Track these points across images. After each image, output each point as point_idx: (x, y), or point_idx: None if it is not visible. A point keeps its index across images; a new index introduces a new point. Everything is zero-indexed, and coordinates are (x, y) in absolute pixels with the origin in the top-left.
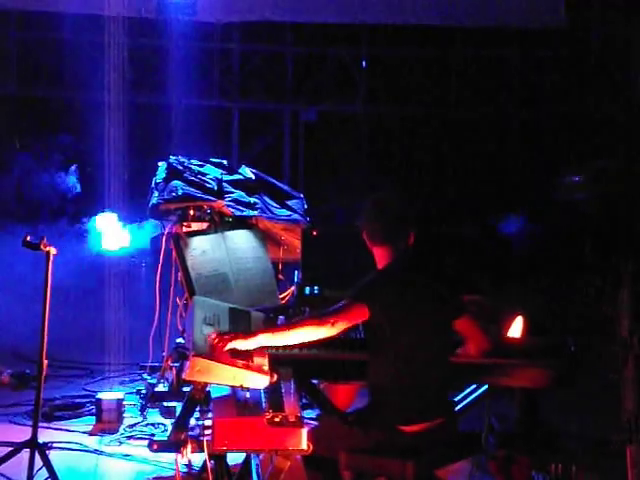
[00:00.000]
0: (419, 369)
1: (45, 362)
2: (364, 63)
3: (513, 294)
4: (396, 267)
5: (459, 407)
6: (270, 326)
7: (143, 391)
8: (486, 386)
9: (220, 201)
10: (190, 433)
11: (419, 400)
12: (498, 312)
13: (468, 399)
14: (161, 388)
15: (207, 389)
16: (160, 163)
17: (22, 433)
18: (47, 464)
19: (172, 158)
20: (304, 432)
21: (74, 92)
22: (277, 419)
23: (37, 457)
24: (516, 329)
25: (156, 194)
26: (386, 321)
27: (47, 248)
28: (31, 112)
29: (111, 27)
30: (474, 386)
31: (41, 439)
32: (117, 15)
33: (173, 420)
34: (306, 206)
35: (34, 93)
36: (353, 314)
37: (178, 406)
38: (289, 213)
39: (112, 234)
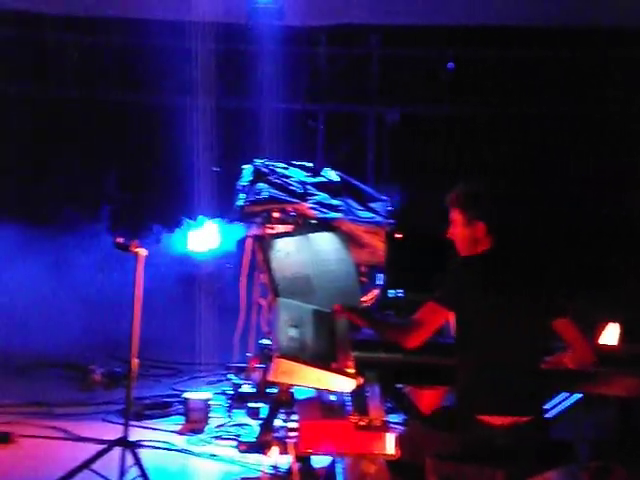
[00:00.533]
0: (502, 363)
1: (136, 361)
2: (450, 64)
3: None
4: (486, 260)
5: (551, 414)
6: (375, 319)
7: (229, 391)
8: (580, 394)
9: (304, 203)
10: (276, 435)
11: (501, 393)
12: (592, 318)
13: (561, 407)
14: (247, 389)
15: (291, 391)
16: (245, 166)
17: (114, 431)
18: (138, 462)
19: (257, 161)
20: (391, 437)
21: (162, 97)
22: (363, 423)
23: (128, 455)
24: (611, 336)
25: (241, 197)
26: (470, 316)
27: (137, 249)
28: (118, 116)
29: (199, 33)
30: (567, 394)
31: (131, 437)
32: (206, 21)
33: (259, 421)
34: (390, 208)
35: (126, 98)
36: (435, 319)
37: (263, 407)
38: (372, 215)
39: (199, 236)
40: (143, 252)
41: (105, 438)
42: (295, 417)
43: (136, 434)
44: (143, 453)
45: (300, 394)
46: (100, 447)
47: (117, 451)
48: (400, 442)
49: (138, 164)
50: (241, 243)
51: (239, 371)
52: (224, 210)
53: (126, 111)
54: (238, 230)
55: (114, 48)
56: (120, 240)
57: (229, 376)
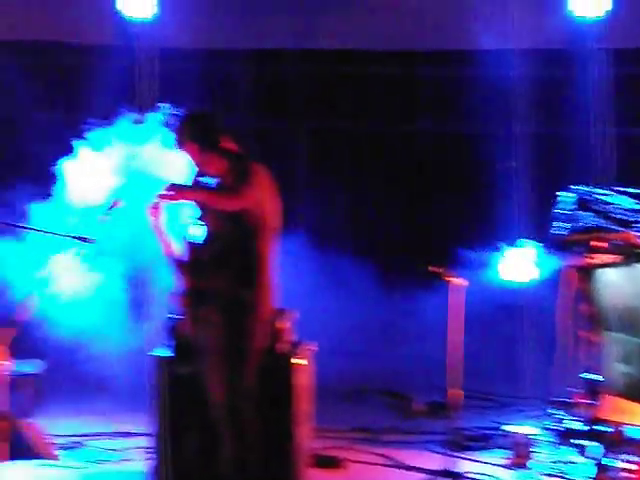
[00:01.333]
0: None
1: (457, 392)
2: None
3: None
4: None
5: None
6: None
7: (553, 427)
8: None
9: (631, 232)
10: (611, 475)
11: None
12: None
13: None
14: (572, 425)
15: (622, 429)
16: (564, 194)
17: (436, 461)
18: None
19: (576, 188)
20: None
21: (485, 126)
22: None
23: None
24: None
25: (561, 225)
26: None
27: (451, 278)
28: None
29: (520, 60)
30: None
31: (455, 469)
32: (526, 48)
33: (588, 459)
34: None
35: (446, 128)
36: None
37: (591, 445)
38: None
39: (516, 264)
40: (459, 282)
41: (428, 467)
42: (630, 457)
43: (457, 465)
44: None
45: (634, 433)
46: (425, 477)
47: None
48: None
49: (459, 191)
50: (559, 273)
51: (562, 406)
52: (541, 239)
53: (446, 141)
54: (555, 259)
55: (431, 79)
56: (434, 269)
57: (551, 411)
